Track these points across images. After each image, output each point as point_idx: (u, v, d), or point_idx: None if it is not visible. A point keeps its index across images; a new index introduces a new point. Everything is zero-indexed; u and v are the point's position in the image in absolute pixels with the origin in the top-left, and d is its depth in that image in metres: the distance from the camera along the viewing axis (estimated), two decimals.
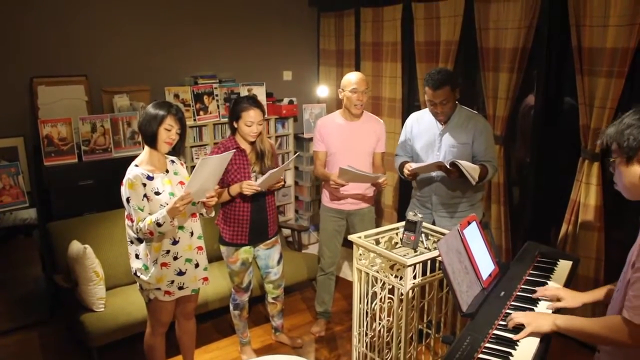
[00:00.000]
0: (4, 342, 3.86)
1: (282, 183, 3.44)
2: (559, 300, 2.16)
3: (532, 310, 2.14)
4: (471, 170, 3.09)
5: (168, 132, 2.83)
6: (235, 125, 3.31)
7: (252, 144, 3.37)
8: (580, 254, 3.38)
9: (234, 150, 3.18)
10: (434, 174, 3.40)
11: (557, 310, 2.14)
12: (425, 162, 3.34)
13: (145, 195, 2.80)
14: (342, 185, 3.51)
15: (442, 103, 3.22)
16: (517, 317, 2.01)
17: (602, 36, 3.20)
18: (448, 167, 3.11)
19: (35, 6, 4.08)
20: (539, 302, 2.19)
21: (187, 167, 3.24)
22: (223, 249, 3.48)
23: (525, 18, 3.62)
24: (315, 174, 3.93)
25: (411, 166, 3.33)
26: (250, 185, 3.23)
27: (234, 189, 3.26)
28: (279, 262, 3.61)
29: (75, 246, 3.60)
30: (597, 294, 2.13)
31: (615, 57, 3.14)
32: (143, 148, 2.93)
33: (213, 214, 3.08)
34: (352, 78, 3.62)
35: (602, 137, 1.79)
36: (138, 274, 2.92)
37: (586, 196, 3.41)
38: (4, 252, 4.16)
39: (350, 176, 3.43)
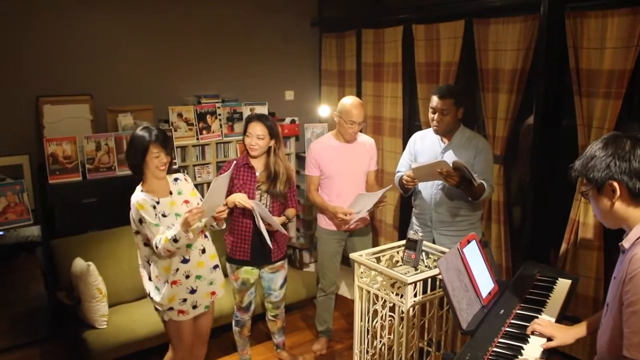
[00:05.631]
0: None
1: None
2: (551, 339, 2.11)
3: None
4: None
5: (157, 159, 2.79)
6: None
7: (266, 163, 3.38)
8: (579, 273, 3.40)
9: (230, 170, 3.05)
10: (433, 189, 3.44)
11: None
12: (425, 162, 3.30)
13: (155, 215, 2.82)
14: (351, 216, 3.55)
15: (441, 112, 3.32)
16: (544, 327, 2.11)
17: (599, 58, 3.25)
18: (451, 168, 3.11)
19: (42, 26, 4.15)
20: (530, 337, 2.14)
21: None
22: (227, 265, 3.51)
23: (524, 40, 3.67)
24: (310, 200, 3.86)
25: (412, 167, 3.30)
26: (244, 199, 3.22)
27: (230, 199, 3.24)
28: (281, 287, 3.63)
29: (79, 263, 3.62)
30: (590, 326, 2.12)
31: (613, 79, 3.19)
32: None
33: (224, 226, 3.06)
34: (352, 110, 3.58)
35: (572, 172, 1.84)
36: (151, 295, 2.93)
37: (585, 215, 3.43)
38: (6, 270, 4.18)
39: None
